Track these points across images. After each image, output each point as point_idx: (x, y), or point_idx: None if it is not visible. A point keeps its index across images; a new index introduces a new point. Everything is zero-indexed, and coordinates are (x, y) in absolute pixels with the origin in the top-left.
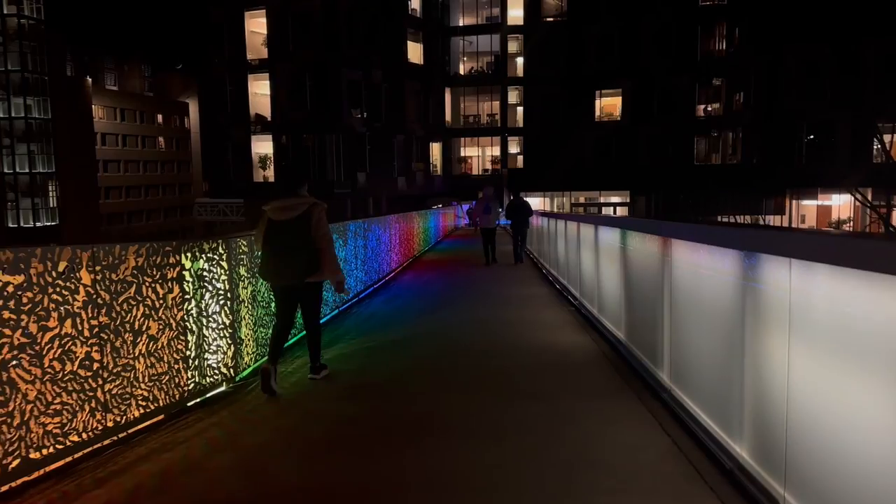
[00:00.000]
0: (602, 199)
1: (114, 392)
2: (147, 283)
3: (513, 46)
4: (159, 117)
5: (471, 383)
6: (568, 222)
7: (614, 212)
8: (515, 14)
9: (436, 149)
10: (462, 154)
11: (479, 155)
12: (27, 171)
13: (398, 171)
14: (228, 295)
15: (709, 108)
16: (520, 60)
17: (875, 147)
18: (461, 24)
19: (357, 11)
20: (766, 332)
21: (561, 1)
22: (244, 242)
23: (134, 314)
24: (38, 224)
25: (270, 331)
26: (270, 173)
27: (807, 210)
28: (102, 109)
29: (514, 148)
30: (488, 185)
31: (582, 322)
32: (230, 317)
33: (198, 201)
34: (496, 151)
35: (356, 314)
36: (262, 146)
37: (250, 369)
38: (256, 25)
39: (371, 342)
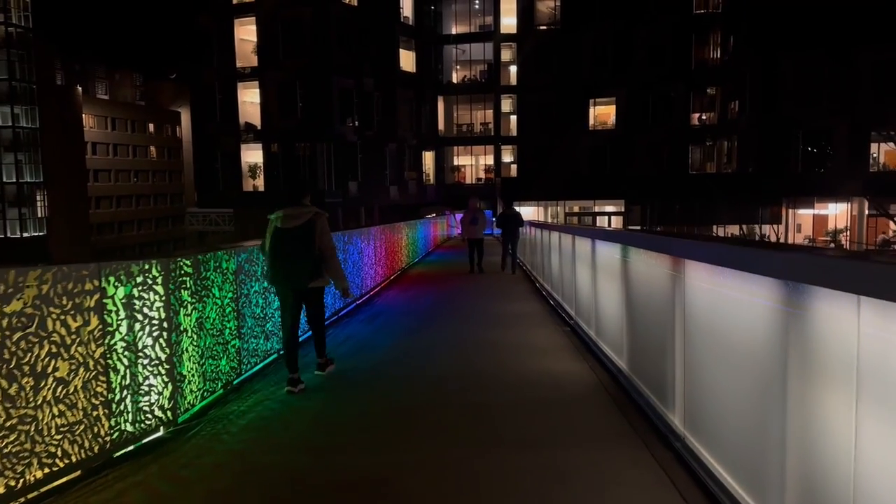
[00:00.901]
0: (597, 209)
1: (7, 451)
2: (54, 316)
3: (506, 55)
4: (151, 126)
5: (446, 427)
6: (562, 234)
7: (609, 221)
8: (508, 22)
9: (428, 158)
10: (455, 163)
11: (473, 164)
12: (14, 180)
13: (390, 180)
14: (165, 325)
15: (703, 117)
16: (513, 69)
17: (872, 155)
18: (454, 32)
19: (348, 19)
20: (820, 384)
21: (554, 9)
22: (187, 263)
23: (36, 354)
24: (25, 234)
25: (282, 340)
26: (260, 182)
27: (803, 219)
28: (93, 118)
29: (507, 157)
30: (475, 196)
31: (577, 345)
32: (167, 350)
33: (189, 211)
34: (489, 160)
35: (332, 336)
36: (252, 155)
37: (196, 409)
38: (246, 33)
39: (340, 373)
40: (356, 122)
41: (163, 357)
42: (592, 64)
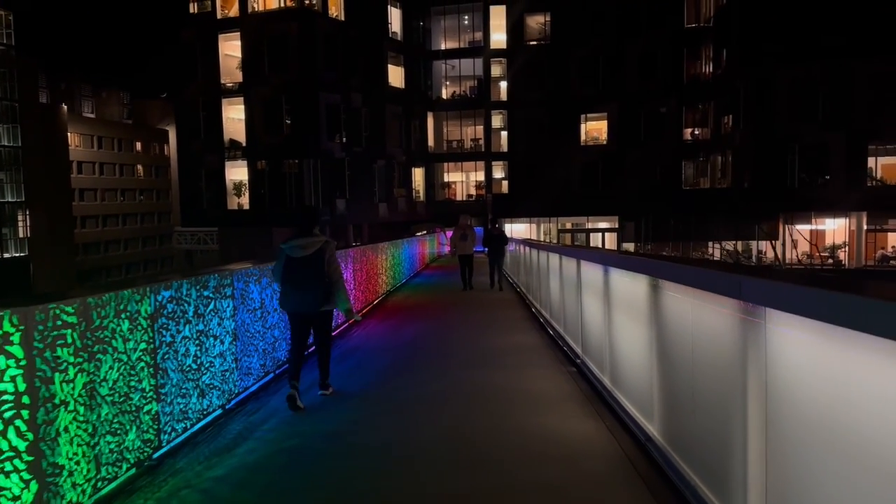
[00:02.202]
0: (590, 225)
1: None
2: None
3: (496, 70)
4: (138, 145)
5: None
6: (563, 257)
7: (603, 238)
8: (498, 38)
9: (418, 174)
10: (445, 179)
11: (463, 180)
12: None
13: (379, 198)
14: (24, 400)
15: (696, 132)
16: (503, 84)
17: (870, 169)
18: (443, 47)
19: (335, 34)
20: None
21: (544, 24)
22: (67, 310)
23: None
24: (6, 255)
25: (288, 354)
26: (245, 200)
27: (798, 235)
28: (79, 137)
29: (498, 173)
30: (465, 214)
31: (587, 394)
32: (29, 435)
33: (177, 230)
34: (480, 176)
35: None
36: (237, 172)
37: None
38: (231, 48)
39: (290, 449)
40: (344, 139)
41: (21, 447)
42: (583, 79)
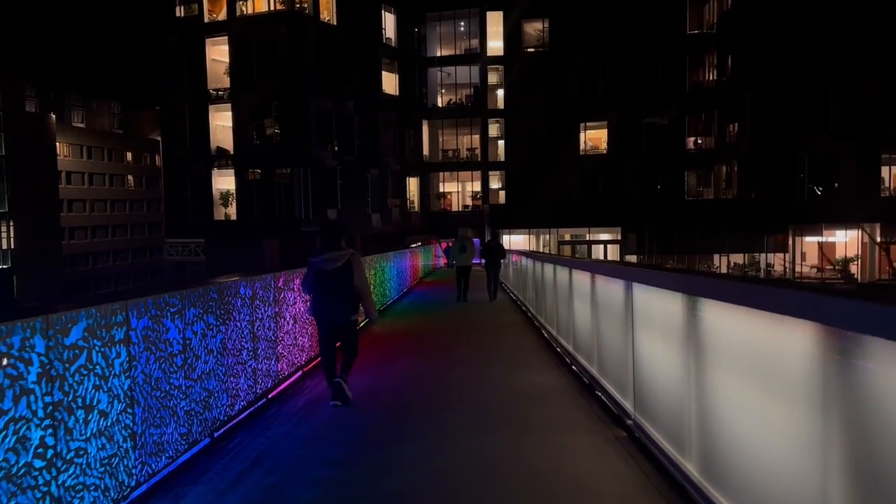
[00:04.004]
0: (590, 237)
1: None
2: None
3: (493, 78)
4: (128, 155)
5: None
6: (600, 277)
7: (605, 250)
8: (495, 45)
9: (413, 184)
10: (441, 189)
11: (459, 190)
12: None
13: (373, 208)
14: None
15: (699, 141)
16: (500, 92)
17: (883, 179)
18: (439, 54)
19: (326, 39)
20: None
21: (542, 31)
22: None
23: None
24: None
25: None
26: (233, 210)
27: (808, 247)
28: (68, 147)
29: (495, 183)
30: (464, 225)
31: (661, 488)
32: None
33: (168, 241)
34: (477, 187)
35: (237, 455)
36: (224, 181)
37: None
38: (218, 53)
39: None
40: (335, 147)
41: None
42: (582, 87)
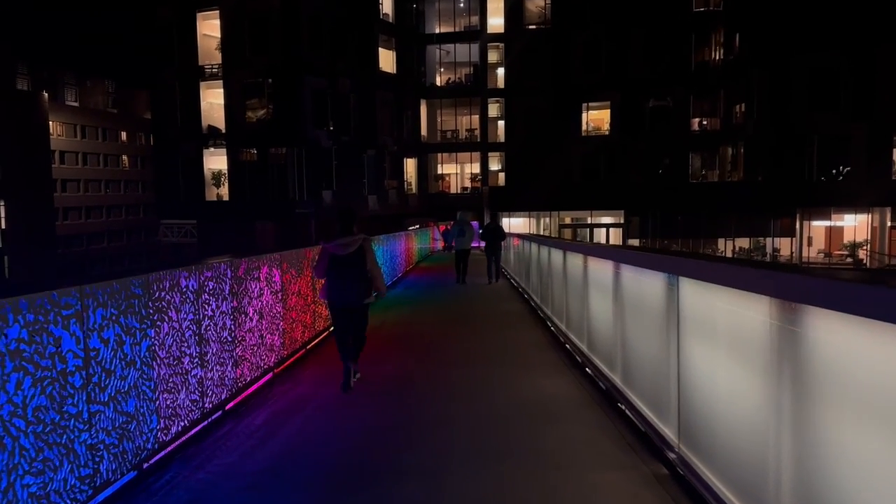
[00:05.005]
0: (591, 220)
1: None
2: None
3: (493, 56)
4: (123, 135)
5: None
6: (622, 267)
7: (607, 234)
8: (496, 22)
9: (410, 165)
10: (439, 171)
11: (458, 172)
12: None
13: (369, 189)
14: None
15: (704, 122)
16: (500, 71)
17: (894, 162)
18: (437, 31)
19: (322, 14)
20: None
21: (544, 8)
22: None
23: None
24: None
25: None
26: (225, 191)
27: (816, 231)
28: (61, 126)
29: (494, 164)
30: (464, 208)
31: None
32: None
33: (164, 222)
34: (476, 168)
35: (166, 502)
36: (216, 161)
37: None
38: (209, 28)
39: None
40: (331, 126)
41: None
42: (585, 66)
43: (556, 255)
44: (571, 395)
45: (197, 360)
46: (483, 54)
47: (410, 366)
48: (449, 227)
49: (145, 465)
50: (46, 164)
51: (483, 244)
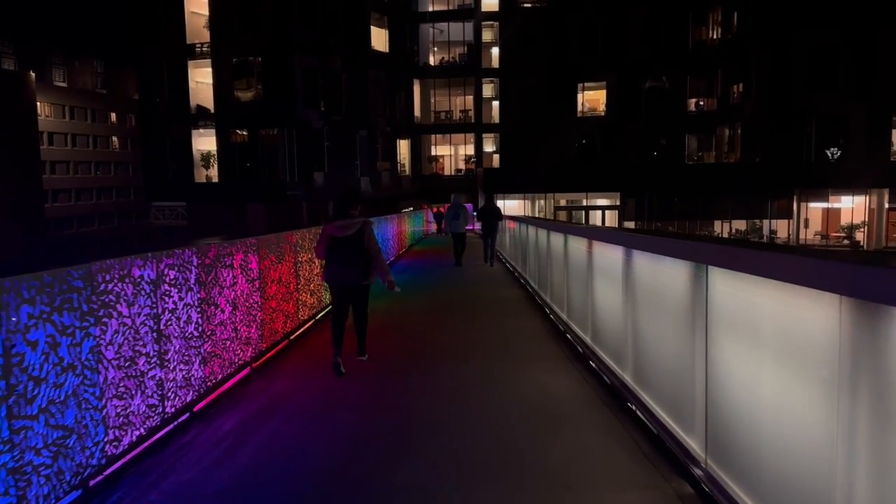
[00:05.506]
0: (587, 202)
1: None
2: None
3: (487, 35)
4: (113, 116)
5: None
6: (634, 253)
7: (603, 216)
8: (490, 0)
9: (404, 147)
10: (433, 153)
11: (452, 154)
12: None
13: (361, 171)
14: None
15: (701, 103)
16: (495, 51)
17: (893, 143)
18: (431, 9)
19: None
20: None
21: None
22: None
23: None
24: None
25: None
26: (214, 173)
27: (812, 214)
28: (49, 107)
29: (489, 146)
30: (458, 191)
31: None
32: None
33: (155, 205)
34: (470, 150)
35: None
36: (205, 142)
37: None
38: (197, 5)
39: None
40: (322, 107)
41: None
42: (581, 45)
43: (557, 238)
44: (576, 394)
45: (155, 359)
46: (477, 33)
47: (401, 360)
48: (442, 209)
49: (92, 483)
50: (34, 146)
51: (478, 227)
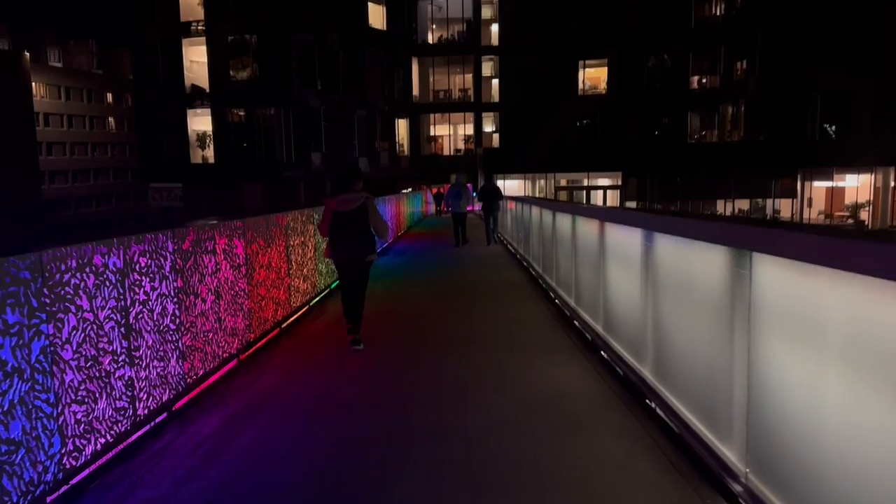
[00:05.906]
0: (588, 182)
1: None
2: None
3: (487, 12)
4: (109, 96)
5: None
6: (657, 236)
7: (604, 196)
8: None
9: (402, 126)
10: (432, 133)
11: (451, 133)
12: None
13: (360, 151)
14: None
15: (704, 80)
16: (495, 28)
17: None
18: None
19: None
20: None
21: None
22: None
23: None
24: None
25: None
26: (210, 153)
27: (816, 193)
28: (45, 87)
29: (489, 125)
30: (458, 171)
31: None
32: None
33: (153, 186)
34: (469, 130)
35: None
36: (200, 122)
37: None
38: None
39: None
40: (319, 86)
41: None
42: (582, 21)
43: (564, 220)
44: (590, 390)
45: (124, 357)
46: (476, 10)
47: (397, 352)
48: (442, 190)
49: (49, 500)
50: (30, 127)
51: (478, 207)
